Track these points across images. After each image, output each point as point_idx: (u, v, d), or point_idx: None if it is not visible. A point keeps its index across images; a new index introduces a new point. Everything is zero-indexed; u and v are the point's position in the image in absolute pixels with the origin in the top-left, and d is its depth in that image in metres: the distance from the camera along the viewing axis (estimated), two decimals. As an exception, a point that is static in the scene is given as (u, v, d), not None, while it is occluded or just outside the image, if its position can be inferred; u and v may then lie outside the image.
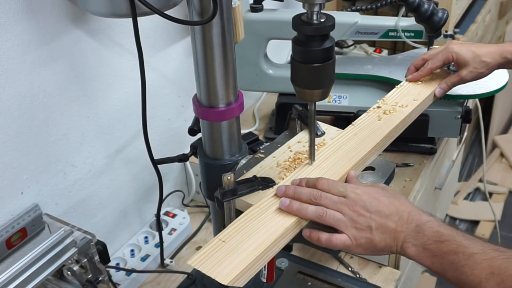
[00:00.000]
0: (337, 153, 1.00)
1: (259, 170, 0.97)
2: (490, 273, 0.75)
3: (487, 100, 2.88)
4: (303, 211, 0.86)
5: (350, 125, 1.08)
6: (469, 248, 0.78)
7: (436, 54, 1.23)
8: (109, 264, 1.10)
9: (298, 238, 0.89)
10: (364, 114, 1.12)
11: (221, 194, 0.88)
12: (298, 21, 0.84)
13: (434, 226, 0.82)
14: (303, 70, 0.86)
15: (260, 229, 0.83)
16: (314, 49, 0.84)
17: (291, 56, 0.87)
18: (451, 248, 0.79)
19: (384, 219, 0.84)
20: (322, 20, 0.83)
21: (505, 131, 3.30)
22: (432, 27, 1.35)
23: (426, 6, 1.31)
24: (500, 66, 1.19)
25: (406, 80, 1.25)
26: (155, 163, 1.08)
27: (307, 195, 0.87)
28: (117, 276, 1.24)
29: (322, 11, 0.83)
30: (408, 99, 1.17)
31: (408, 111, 1.12)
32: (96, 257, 1.01)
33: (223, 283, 0.75)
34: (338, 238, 0.84)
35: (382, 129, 1.06)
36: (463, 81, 1.21)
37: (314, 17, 0.82)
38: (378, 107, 1.14)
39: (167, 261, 1.32)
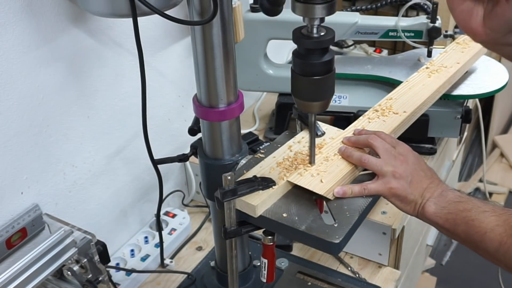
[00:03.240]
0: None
1: (259, 170, 0.97)
2: (495, 225, 0.85)
3: (487, 100, 2.87)
4: (348, 154, 0.97)
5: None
6: (481, 207, 0.88)
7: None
8: (109, 264, 1.11)
9: (298, 237, 0.89)
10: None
11: (221, 194, 0.88)
12: (298, 35, 0.84)
13: (457, 192, 0.94)
14: (303, 83, 0.86)
15: (339, 160, 0.98)
16: (314, 62, 0.84)
17: (291, 68, 0.87)
18: (466, 206, 0.89)
19: (421, 177, 0.95)
20: (322, 33, 0.83)
21: (505, 131, 3.29)
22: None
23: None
24: None
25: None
26: (155, 163, 1.08)
27: (364, 137, 0.99)
28: (117, 276, 1.24)
29: (322, 25, 0.83)
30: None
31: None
32: (96, 257, 1.01)
33: (320, 193, 0.90)
34: (370, 185, 0.93)
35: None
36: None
37: (314, 30, 0.83)
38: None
39: (167, 261, 1.32)
